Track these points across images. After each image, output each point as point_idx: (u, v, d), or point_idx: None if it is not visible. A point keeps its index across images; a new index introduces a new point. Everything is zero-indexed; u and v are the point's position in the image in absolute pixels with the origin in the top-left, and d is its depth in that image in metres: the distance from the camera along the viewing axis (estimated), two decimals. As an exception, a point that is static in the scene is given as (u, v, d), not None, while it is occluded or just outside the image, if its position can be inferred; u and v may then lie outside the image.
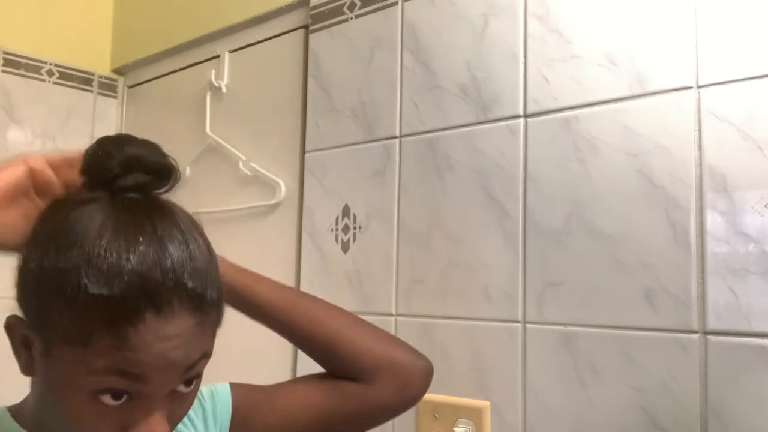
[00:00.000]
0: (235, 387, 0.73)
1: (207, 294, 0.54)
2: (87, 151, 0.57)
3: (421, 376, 0.77)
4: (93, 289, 0.49)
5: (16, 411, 0.61)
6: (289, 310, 0.74)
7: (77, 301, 0.50)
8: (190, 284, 0.52)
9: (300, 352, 1.24)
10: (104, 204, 0.54)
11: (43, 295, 0.52)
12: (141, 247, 0.51)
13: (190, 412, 0.68)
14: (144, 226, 0.53)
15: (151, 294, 0.50)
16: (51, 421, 0.57)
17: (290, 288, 0.80)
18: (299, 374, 1.24)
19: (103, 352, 0.50)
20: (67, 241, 0.52)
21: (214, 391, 0.72)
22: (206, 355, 0.56)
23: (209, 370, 0.69)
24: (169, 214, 0.56)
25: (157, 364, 0.51)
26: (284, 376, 1.27)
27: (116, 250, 0.50)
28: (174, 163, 0.58)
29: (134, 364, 0.50)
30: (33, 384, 0.58)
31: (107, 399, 0.51)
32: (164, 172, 0.57)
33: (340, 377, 0.75)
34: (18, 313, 0.56)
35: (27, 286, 0.54)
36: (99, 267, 0.50)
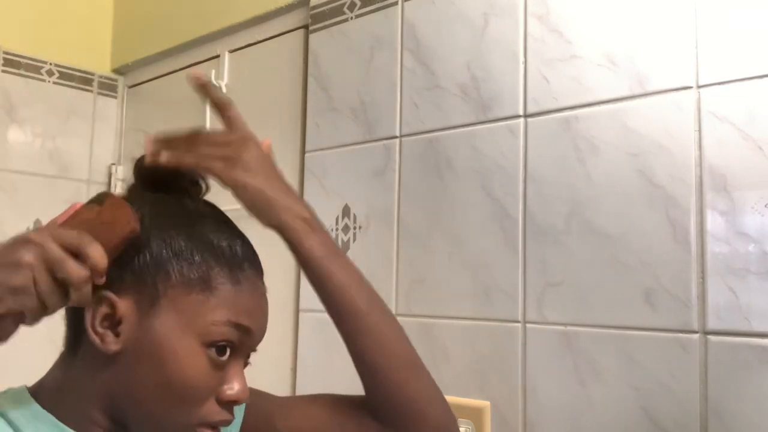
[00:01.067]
0: (251, 391, 0.72)
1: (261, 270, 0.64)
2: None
3: None
4: (215, 240, 0.60)
5: (40, 398, 0.60)
6: (356, 317, 0.66)
7: (203, 252, 0.59)
8: (253, 256, 0.64)
9: (300, 353, 1.24)
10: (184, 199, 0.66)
11: (162, 254, 0.58)
12: (231, 226, 0.65)
13: None
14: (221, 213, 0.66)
15: (246, 252, 0.62)
16: (136, 398, 0.57)
17: (369, 288, 0.69)
18: (299, 374, 1.24)
19: (223, 299, 0.58)
20: (186, 216, 0.62)
21: None
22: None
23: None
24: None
25: (258, 315, 0.61)
26: (284, 375, 1.27)
27: (218, 224, 0.63)
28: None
29: (245, 315, 0.59)
30: (98, 367, 0.58)
31: (213, 353, 0.57)
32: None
33: (363, 408, 0.69)
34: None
35: (144, 248, 0.59)
36: (216, 231, 0.61)
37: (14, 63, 1.60)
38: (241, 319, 0.59)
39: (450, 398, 1.04)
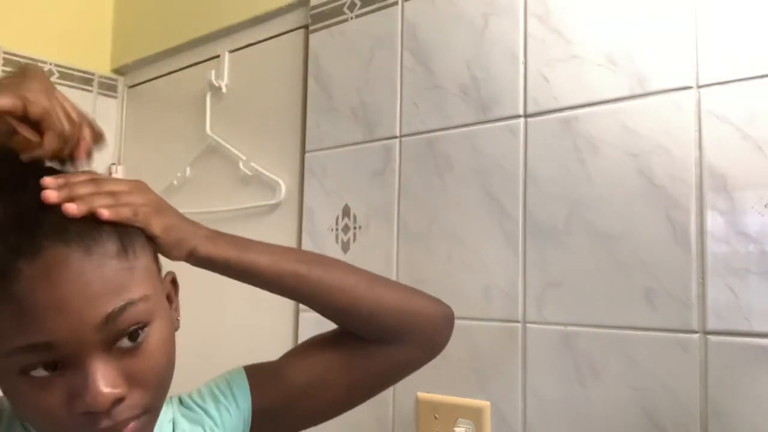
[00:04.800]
0: (249, 369, 0.72)
1: (79, 229, 0.51)
2: None
3: (446, 325, 0.74)
4: None
5: None
6: (299, 284, 0.67)
7: None
8: (48, 219, 0.51)
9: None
10: None
11: None
12: None
13: (201, 402, 0.69)
14: None
15: (16, 245, 0.49)
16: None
17: (293, 253, 0.70)
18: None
19: (4, 329, 0.49)
20: None
21: (229, 378, 0.71)
22: (132, 303, 0.52)
23: (205, 364, 0.68)
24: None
25: (56, 323, 0.49)
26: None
27: None
28: None
29: (28, 331, 0.48)
30: None
31: (39, 372, 0.50)
32: None
33: (352, 335, 0.71)
34: None
35: None
36: None
37: (14, 63, 1.60)
38: (24, 338, 0.49)
39: (450, 398, 1.04)
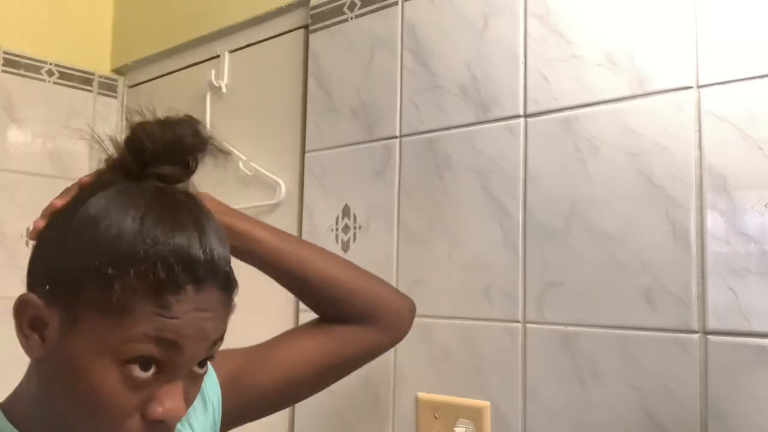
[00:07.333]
0: (217, 361, 0.71)
1: (232, 279, 0.59)
2: (129, 132, 0.60)
3: (410, 315, 0.85)
4: (140, 259, 0.53)
5: (6, 408, 0.60)
6: (290, 258, 0.77)
7: (123, 272, 0.53)
8: (222, 267, 0.57)
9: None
10: (146, 189, 0.58)
11: (81, 268, 0.54)
12: (185, 228, 0.56)
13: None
14: (183, 211, 0.57)
15: (193, 270, 0.54)
16: (59, 409, 0.56)
17: (286, 234, 0.81)
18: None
19: (144, 320, 0.53)
20: (114, 217, 0.55)
21: None
22: (222, 339, 0.59)
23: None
24: (201, 206, 0.60)
25: (192, 332, 0.54)
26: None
27: (163, 228, 0.55)
28: (210, 145, 0.65)
29: (173, 331, 0.53)
30: (35, 371, 0.58)
31: (136, 370, 0.53)
32: (194, 164, 0.63)
33: (332, 321, 0.79)
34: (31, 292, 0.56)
35: (59, 259, 0.56)
36: (146, 241, 0.53)
37: (14, 63, 1.60)
38: (168, 333, 0.53)
39: (450, 398, 1.04)
